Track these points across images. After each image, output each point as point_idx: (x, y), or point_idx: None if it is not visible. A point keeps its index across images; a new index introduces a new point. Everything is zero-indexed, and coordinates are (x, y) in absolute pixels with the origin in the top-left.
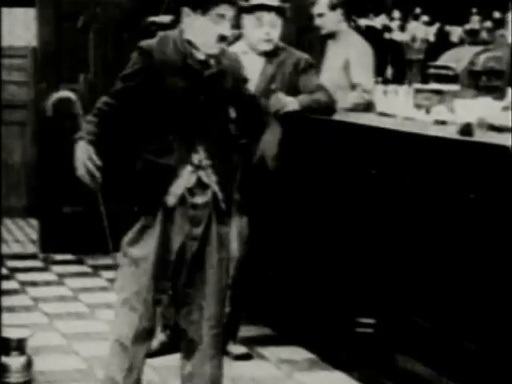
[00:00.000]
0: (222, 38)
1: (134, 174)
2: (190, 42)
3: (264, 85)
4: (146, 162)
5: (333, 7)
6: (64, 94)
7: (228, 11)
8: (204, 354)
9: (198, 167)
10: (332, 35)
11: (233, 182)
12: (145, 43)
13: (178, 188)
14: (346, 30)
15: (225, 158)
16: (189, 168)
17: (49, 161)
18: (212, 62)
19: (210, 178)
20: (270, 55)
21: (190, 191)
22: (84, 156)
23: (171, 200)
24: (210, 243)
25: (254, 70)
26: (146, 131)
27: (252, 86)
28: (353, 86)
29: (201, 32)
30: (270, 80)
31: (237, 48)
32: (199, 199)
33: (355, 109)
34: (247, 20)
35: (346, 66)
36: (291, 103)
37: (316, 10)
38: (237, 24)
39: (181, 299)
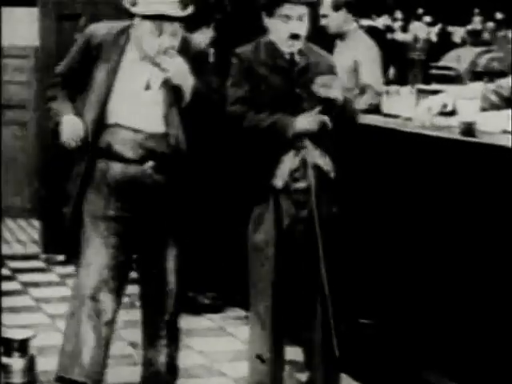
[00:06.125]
0: (294, 36)
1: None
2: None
3: None
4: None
5: (336, 8)
6: None
7: (293, 10)
8: None
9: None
10: (340, 35)
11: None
12: (241, 50)
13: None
14: (354, 29)
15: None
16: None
17: (50, 161)
18: (298, 58)
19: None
20: None
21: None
22: None
23: (279, 183)
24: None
25: None
26: None
27: None
28: (362, 88)
29: (274, 32)
30: None
31: None
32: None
33: (369, 110)
34: None
35: (355, 67)
36: None
37: (321, 10)
38: None
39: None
